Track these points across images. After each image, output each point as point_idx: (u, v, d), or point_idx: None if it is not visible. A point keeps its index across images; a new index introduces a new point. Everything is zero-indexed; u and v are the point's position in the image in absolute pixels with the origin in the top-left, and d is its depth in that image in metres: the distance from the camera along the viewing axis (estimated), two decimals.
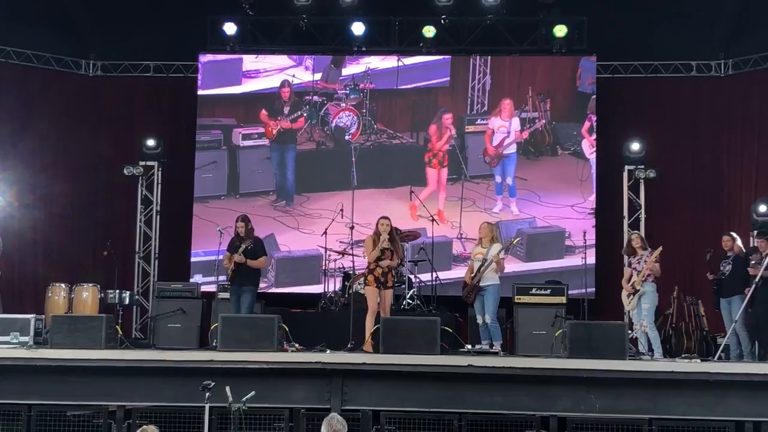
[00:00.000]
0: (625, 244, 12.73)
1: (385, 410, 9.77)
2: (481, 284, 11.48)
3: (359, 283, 13.20)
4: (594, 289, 14.33)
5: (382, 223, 11.36)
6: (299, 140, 15.61)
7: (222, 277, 13.30)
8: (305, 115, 15.57)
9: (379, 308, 11.24)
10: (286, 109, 15.60)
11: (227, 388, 8.06)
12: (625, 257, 12.70)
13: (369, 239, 11.42)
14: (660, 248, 11.62)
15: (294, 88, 15.66)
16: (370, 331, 11.05)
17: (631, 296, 11.69)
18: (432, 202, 15.01)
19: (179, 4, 15.50)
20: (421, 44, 15.31)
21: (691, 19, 15.29)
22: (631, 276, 11.76)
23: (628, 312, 12.01)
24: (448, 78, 15.54)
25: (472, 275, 11.59)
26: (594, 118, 15.19)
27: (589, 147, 15.19)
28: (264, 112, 15.61)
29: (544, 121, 15.26)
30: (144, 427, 7.05)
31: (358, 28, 15.16)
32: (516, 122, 15.28)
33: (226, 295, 12.95)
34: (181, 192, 15.62)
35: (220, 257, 12.45)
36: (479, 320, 11.56)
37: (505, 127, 15.31)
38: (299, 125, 15.57)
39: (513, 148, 15.29)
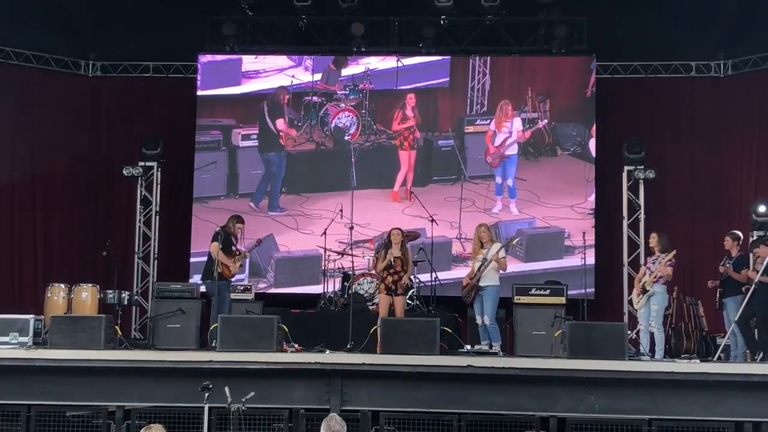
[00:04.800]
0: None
1: (385, 410, 9.77)
2: (480, 284, 11.48)
3: (358, 283, 13.33)
4: (593, 290, 14.33)
5: (395, 234, 11.81)
6: (298, 140, 15.62)
7: None
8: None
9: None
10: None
11: (226, 389, 8.05)
12: (641, 256, 12.72)
13: (380, 251, 11.88)
14: (673, 251, 11.60)
15: (292, 89, 15.67)
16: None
17: (641, 296, 11.69)
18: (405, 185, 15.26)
19: (179, 4, 15.47)
20: (421, 44, 15.31)
21: (691, 19, 15.28)
22: (644, 275, 11.77)
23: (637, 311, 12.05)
24: (448, 78, 15.53)
25: (472, 276, 11.58)
26: None
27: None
28: (281, 120, 15.57)
29: (546, 120, 15.25)
30: (150, 425, 7.03)
31: (357, 29, 15.15)
32: (518, 122, 15.28)
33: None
34: (180, 192, 15.62)
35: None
36: (478, 321, 11.55)
37: (507, 128, 15.30)
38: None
39: (515, 149, 15.28)
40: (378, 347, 10.86)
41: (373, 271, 13.04)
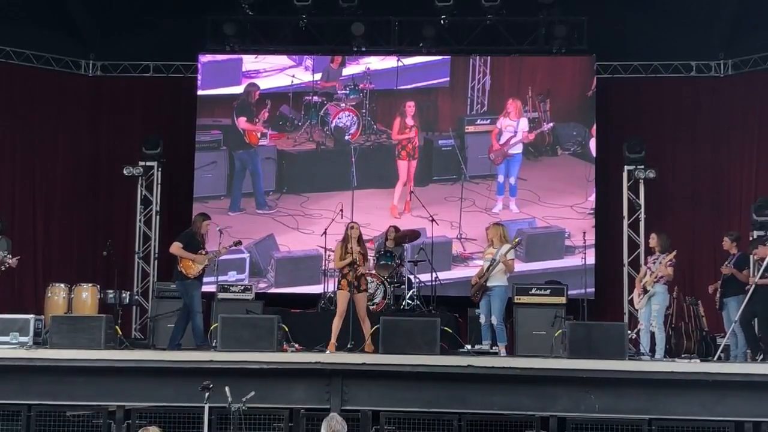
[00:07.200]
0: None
1: (385, 410, 9.78)
2: (488, 284, 11.45)
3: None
4: (593, 290, 14.32)
5: (352, 227, 11.53)
6: (299, 140, 15.62)
7: (222, 277, 13.34)
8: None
9: (356, 312, 11.28)
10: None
11: (226, 388, 8.06)
12: (641, 256, 12.72)
13: (338, 246, 11.53)
14: (674, 251, 11.59)
15: (293, 88, 15.67)
16: (335, 333, 11.07)
17: (642, 296, 11.69)
18: (403, 195, 15.19)
19: (179, 4, 15.49)
20: (421, 44, 15.30)
21: (691, 19, 15.29)
22: (645, 275, 11.77)
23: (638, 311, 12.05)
24: (448, 78, 15.53)
25: (480, 275, 11.57)
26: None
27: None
28: (243, 119, 15.55)
29: (552, 124, 15.23)
30: (146, 427, 7.06)
31: (357, 29, 15.15)
32: (524, 122, 15.26)
33: (226, 295, 12.98)
34: (180, 192, 15.62)
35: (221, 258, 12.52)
36: (482, 320, 11.49)
37: (512, 127, 15.30)
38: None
39: (519, 148, 15.27)
40: (366, 345, 10.90)
41: (373, 271, 13.03)
